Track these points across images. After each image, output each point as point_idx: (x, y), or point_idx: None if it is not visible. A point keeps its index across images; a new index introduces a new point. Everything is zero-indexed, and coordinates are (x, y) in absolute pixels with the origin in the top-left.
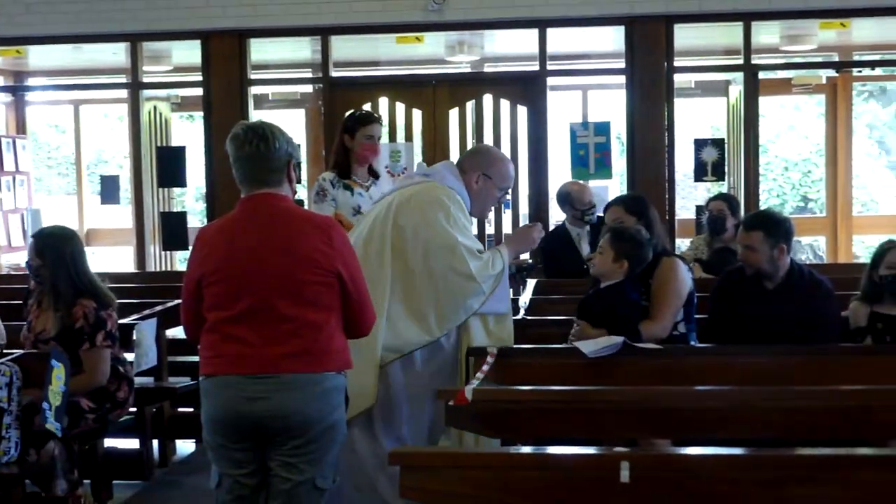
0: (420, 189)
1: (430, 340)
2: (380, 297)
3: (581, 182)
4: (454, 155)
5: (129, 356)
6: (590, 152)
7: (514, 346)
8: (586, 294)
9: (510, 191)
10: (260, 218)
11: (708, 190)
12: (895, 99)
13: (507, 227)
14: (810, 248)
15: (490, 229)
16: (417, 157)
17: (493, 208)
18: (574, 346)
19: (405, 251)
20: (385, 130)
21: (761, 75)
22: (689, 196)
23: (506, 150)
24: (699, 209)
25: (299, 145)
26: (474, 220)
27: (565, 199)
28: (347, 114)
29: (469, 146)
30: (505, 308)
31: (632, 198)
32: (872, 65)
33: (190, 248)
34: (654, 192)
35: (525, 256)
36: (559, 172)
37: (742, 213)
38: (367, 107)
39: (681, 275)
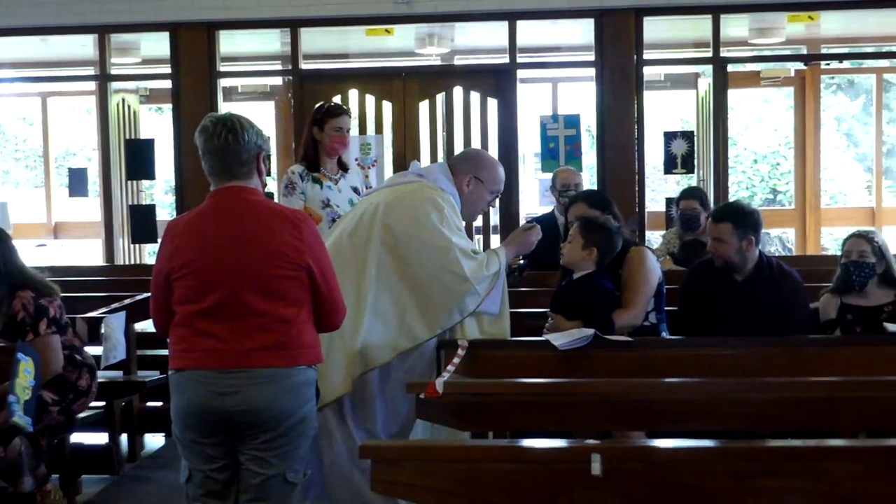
0: (413, 189)
1: (422, 341)
2: (364, 291)
3: (572, 168)
4: (424, 147)
5: (98, 350)
6: (560, 145)
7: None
8: (558, 286)
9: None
10: (229, 211)
11: (678, 182)
12: (863, 92)
13: (492, 220)
14: (779, 240)
15: (477, 220)
16: (388, 149)
17: (483, 211)
18: (546, 338)
19: (395, 251)
20: (355, 123)
21: (730, 68)
22: (659, 189)
23: (476, 142)
24: (669, 202)
25: (269, 138)
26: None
27: (552, 182)
28: (316, 106)
29: (440, 138)
30: (497, 309)
31: (594, 192)
32: (840, 58)
33: (159, 241)
34: (624, 185)
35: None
36: (529, 165)
37: (712, 206)
38: (336, 99)
39: (650, 263)
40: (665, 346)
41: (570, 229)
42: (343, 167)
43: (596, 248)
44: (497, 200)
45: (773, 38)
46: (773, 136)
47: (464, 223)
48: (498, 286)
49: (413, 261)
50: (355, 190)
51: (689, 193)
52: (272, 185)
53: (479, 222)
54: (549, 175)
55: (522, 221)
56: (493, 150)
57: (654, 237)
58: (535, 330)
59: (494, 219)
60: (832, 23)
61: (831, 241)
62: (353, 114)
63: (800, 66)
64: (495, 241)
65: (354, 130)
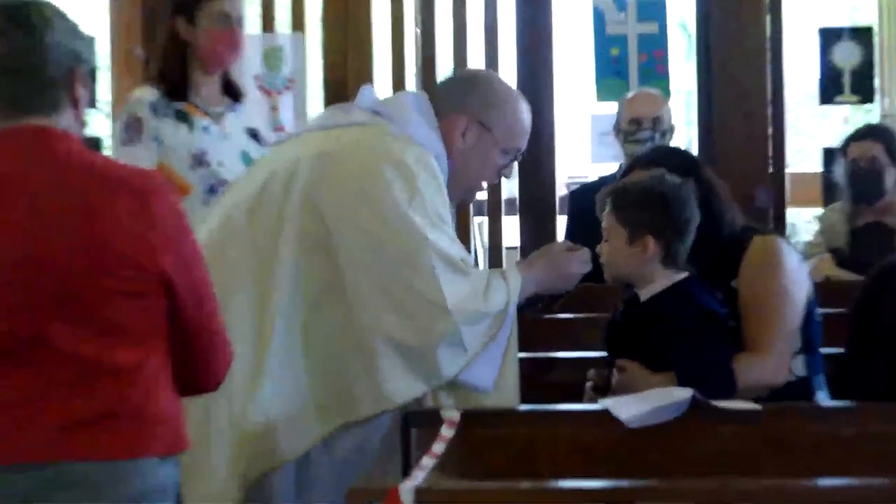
0: (361, 140)
1: (356, 419)
2: (268, 322)
3: (653, 92)
4: (382, 59)
5: None
6: (630, 52)
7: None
8: (613, 313)
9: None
10: (21, 173)
11: (845, 121)
12: None
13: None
14: None
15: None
16: (314, 60)
17: (489, 184)
18: (603, 405)
19: (324, 252)
20: (256, 12)
21: None
22: (811, 133)
23: (476, 50)
24: (830, 155)
25: (94, 39)
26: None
27: (616, 119)
28: None
29: (410, 40)
30: (491, 381)
31: (662, 151)
32: None
33: None
34: (744, 127)
35: None
36: (575, 91)
37: None
38: None
39: (790, 269)
40: (824, 417)
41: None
42: (232, 93)
43: (654, 237)
44: (516, 165)
45: None
46: None
47: (451, 208)
48: (500, 341)
49: (354, 273)
50: (254, 135)
51: (863, 133)
52: (101, 127)
53: (482, 195)
54: (612, 107)
55: (562, 192)
56: (507, 64)
57: (804, 221)
58: (577, 390)
59: (511, 190)
60: None
61: None
62: None
63: None
64: (511, 234)
65: (254, 25)
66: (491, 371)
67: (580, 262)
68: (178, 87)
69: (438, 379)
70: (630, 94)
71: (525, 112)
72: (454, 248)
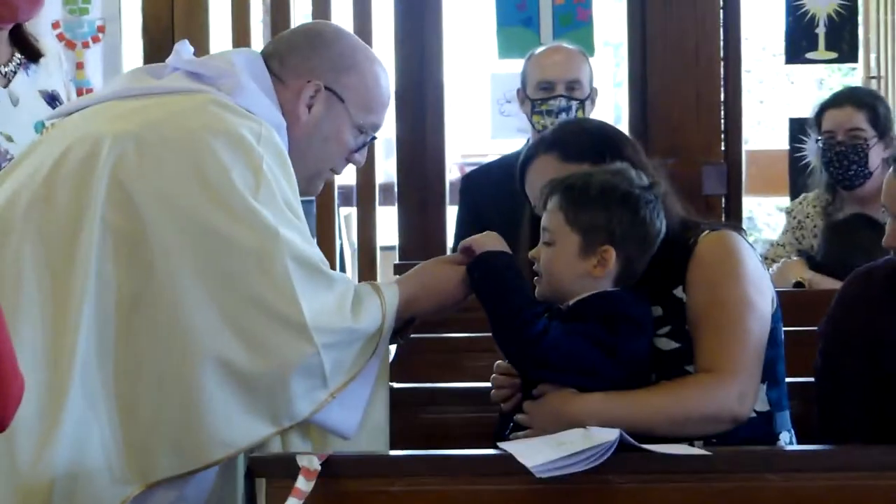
0: (181, 111)
1: (184, 472)
2: (67, 343)
3: (567, 47)
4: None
5: None
6: None
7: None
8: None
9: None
10: None
11: (820, 83)
12: None
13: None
14: None
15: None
16: (130, 5)
17: (338, 172)
18: (504, 449)
19: (138, 255)
20: None
21: None
22: (776, 100)
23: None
24: (799, 128)
25: None
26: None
27: (521, 80)
28: None
29: None
30: (351, 425)
31: (581, 131)
32: None
33: None
34: (692, 91)
35: None
36: (469, 42)
37: None
38: None
39: (753, 266)
40: (785, 466)
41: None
42: (27, 49)
43: (612, 246)
44: (371, 144)
45: None
46: None
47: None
48: (369, 372)
49: (179, 281)
50: (52, 100)
51: (842, 99)
52: None
53: (344, 179)
54: (518, 65)
55: (454, 176)
56: (385, 9)
57: (765, 213)
58: (464, 431)
59: (387, 174)
60: None
61: None
62: None
63: None
64: (388, 230)
65: None
66: (355, 412)
67: (457, 276)
68: None
69: (290, 418)
70: (539, 50)
71: (385, 79)
72: (311, 249)
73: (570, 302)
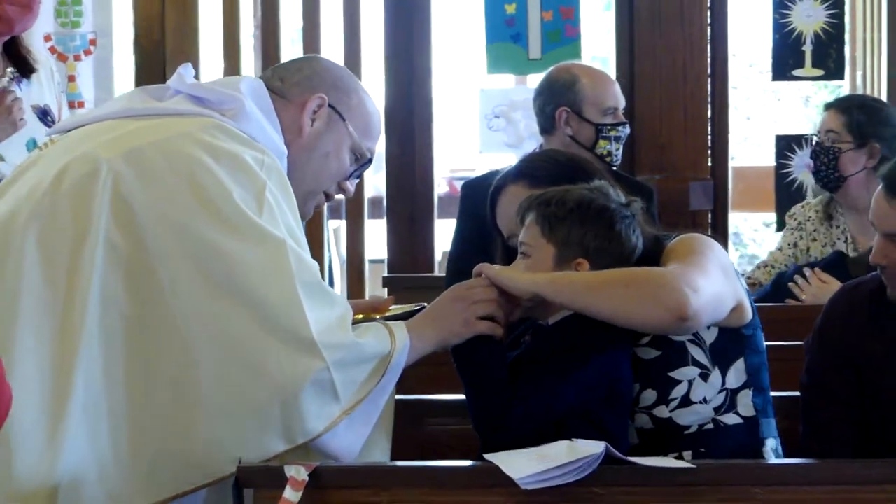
0: (183, 133)
1: (187, 490)
2: (68, 356)
3: (592, 68)
4: (209, 9)
5: None
6: (530, 10)
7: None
8: (521, 345)
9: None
10: None
11: (806, 101)
12: None
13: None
14: None
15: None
16: (124, 13)
17: (330, 196)
18: (490, 461)
19: (148, 276)
20: None
21: None
22: (763, 116)
23: (333, 7)
24: (785, 145)
25: None
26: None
27: (561, 92)
28: None
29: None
30: (353, 450)
31: (547, 159)
32: None
33: None
34: (680, 108)
35: None
36: (459, 57)
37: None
38: None
39: (722, 254)
40: (771, 480)
41: (507, 242)
42: (21, 65)
43: (587, 261)
44: (363, 177)
45: None
46: None
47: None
48: (377, 397)
49: (185, 298)
50: (44, 115)
51: (830, 103)
52: None
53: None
54: (507, 82)
55: (442, 190)
56: (375, 25)
57: (751, 229)
58: (462, 441)
59: (376, 187)
60: None
61: None
62: None
63: None
64: (377, 243)
65: None
66: (360, 436)
67: (470, 302)
68: None
69: (304, 435)
70: (588, 72)
71: (378, 113)
72: (314, 267)
73: (550, 321)
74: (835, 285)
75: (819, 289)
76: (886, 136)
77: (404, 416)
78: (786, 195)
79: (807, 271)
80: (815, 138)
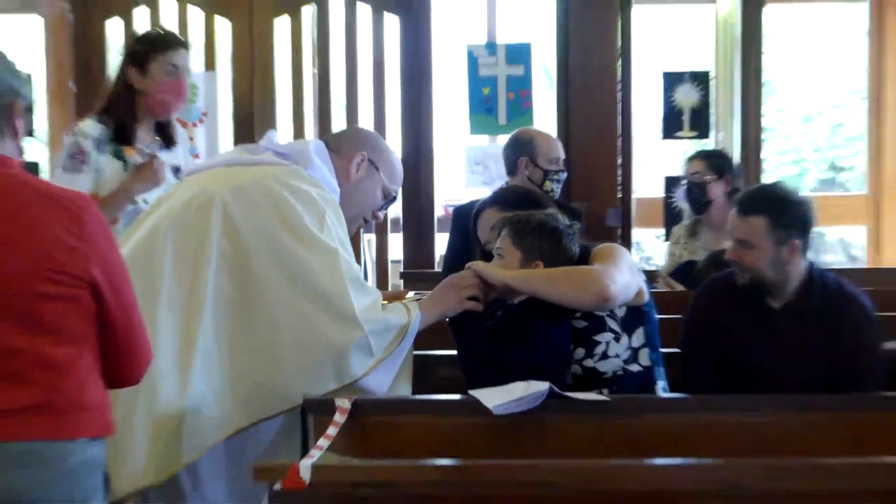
0: (273, 173)
1: (270, 416)
2: (192, 329)
3: (543, 131)
4: (283, 93)
5: None
6: (499, 92)
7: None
8: (495, 317)
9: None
10: None
11: (685, 153)
12: None
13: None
14: (841, 244)
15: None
16: (224, 95)
17: (368, 220)
18: (473, 395)
19: (244, 270)
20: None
21: None
22: (655, 163)
23: (365, 88)
24: (671, 182)
25: (30, 76)
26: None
27: (521, 148)
28: (138, 35)
29: (308, 78)
30: (386, 387)
31: (512, 192)
32: None
33: None
34: (598, 157)
35: None
36: (450, 124)
37: (739, 177)
38: (143, 14)
39: (629, 255)
40: (659, 409)
41: (485, 248)
42: (166, 137)
43: (542, 262)
44: (390, 207)
45: None
46: (834, 80)
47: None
48: (399, 354)
49: (271, 286)
50: (176, 171)
51: (694, 155)
52: (38, 154)
53: None
54: (482, 140)
55: (439, 213)
56: (393, 101)
57: (649, 242)
58: (455, 384)
59: (395, 211)
60: None
61: None
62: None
63: None
64: (395, 249)
65: None
66: (388, 378)
67: (461, 290)
68: (126, 131)
69: (350, 377)
70: (540, 132)
71: (401, 167)
72: (357, 268)
73: (515, 301)
74: (678, 287)
75: (670, 289)
76: (733, 172)
77: (418, 365)
78: (670, 217)
79: (659, 277)
80: (684, 180)
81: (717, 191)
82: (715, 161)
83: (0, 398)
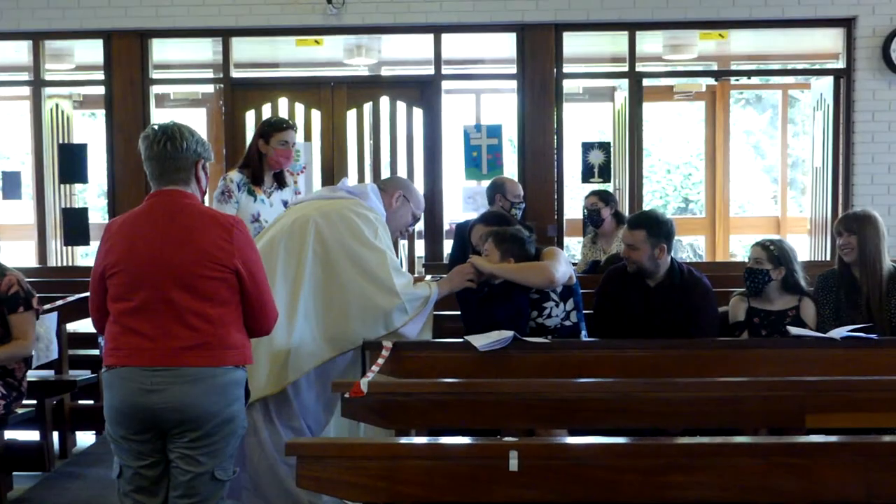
0: (345, 204)
1: (346, 351)
2: (297, 297)
3: (511, 178)
4: (351, 155)
5: None
6: (482, 154)
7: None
8: (483, 291)
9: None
10: (163, 212)
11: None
12: (769, 106)
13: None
14: (690, 247)
15: None
16: (316, 156)
17: (402, 233)
18: (465, 339)
19: (327, 261)
20: None
21: (645, 82)
22: (578, 197)
23: (401, 151)
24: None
25: (210, 146)
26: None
27: (497, 189)
28: (264, 120)
29: (366, 146)
30: (415, 334)
31: (492, 214)
32: (749, 74)
33: (91, 243)
34: (543, 193)
35: None
36: (453, 173)
37: (619, 205)
38: (266, 108)
39: (563, 252)
40: (581, 347)
41: (476, 249)
42: (280, 182)
43: (513, 259)
44: (416, 225)
45: (685, 54)
46: (685, 147)
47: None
48: (424, 313)
49: (344, 271)
50: (285, 204)
51: (591, 193)
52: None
53: None
54: (473, 183)
55: (447, 227)
56: (418, 159)
57: (573, 243)
58: (457, 332)
59: (420, 227)
60: (741, 41)
61: (740, 247)
62: None
63: (711, 81)
64: (420, 250)
65: None
66: (417, 328)
67: (463, 275)
68: (257, 178)
69: (393, 328)
70: (507, 178)
71: (423, 200)
72: (397, 260)
73: (496, 282)
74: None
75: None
76: (614, 201)
77: (435, 320)
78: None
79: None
80: (586, 210)
81: (605, 214)
82: (603, 195)
83: (177, 339)
